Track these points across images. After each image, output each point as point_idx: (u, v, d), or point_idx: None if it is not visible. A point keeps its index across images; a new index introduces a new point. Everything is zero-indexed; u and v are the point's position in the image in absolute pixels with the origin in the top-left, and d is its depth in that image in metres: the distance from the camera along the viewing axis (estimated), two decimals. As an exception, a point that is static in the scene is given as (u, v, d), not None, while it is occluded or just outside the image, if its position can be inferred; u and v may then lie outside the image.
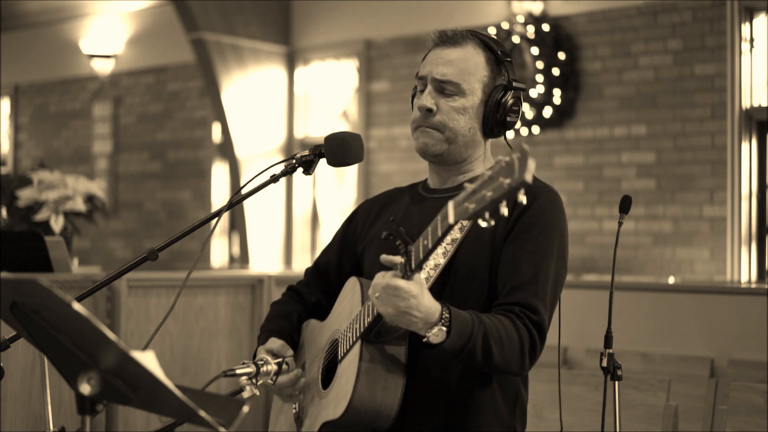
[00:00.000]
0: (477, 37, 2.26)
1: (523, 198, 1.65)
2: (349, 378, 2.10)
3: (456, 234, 2.15)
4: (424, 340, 1.99)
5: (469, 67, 2.22)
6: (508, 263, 2.14)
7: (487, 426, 2.19)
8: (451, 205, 1.79)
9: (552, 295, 2.15)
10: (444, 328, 1.97)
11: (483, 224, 1.71)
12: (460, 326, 1.99)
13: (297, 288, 2.55)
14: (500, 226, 2.17)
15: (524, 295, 2.11)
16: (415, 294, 1.93)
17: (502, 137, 2.31)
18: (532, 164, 1.63)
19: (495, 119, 2.24)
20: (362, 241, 2.43)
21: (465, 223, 2.09)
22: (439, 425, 2.18)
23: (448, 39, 2.25)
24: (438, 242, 1.87)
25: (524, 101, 2.31)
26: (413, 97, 2.35)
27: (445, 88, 2.22)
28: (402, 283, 1.94)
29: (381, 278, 1.98)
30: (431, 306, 1.97)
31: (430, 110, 2.22)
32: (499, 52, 2.25)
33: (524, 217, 2.16)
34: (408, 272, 1.94)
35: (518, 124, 6.77)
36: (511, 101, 2.23)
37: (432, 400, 2.17)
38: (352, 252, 2.46)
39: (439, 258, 2.14)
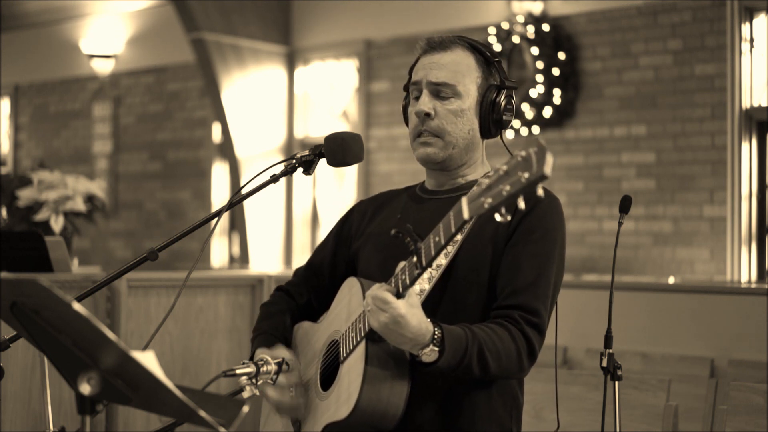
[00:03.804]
0: (465, 40, 2.28)
1: (541, 192, 1.66)
2: (355, 378, 2.08)
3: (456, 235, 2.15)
4: (417, 359, 2.00)
5: (462, 69, 2.24)
6: (510, 266, 2.15)
7: (484, 427, 2.18)
8: (465, 200, 1.78)
9: (551, 298, 2.17)
10: (436, 349, 1.97)
11: (499, 219, 1.70)
12: (454, 344, 1.99)
13: (287, 288, 2.52)
14: (501, 228, 2.17)
15: (525, 298, 2.11)
16: (403, 314, 1.93)
17: (499, 138, 2.32)
18: (550, 158, 1.64)
19: (491, 119, 2.25)
20: (357, 240, 2.42)
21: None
22: (436, 425, 2.17)
23: (437, 44, 2.26)
24: (451, 239, 1.85)
25: (525, 101, 2.32)
26: (405, 108, 2.36)
27: (440, 91, 2.23)
28: (391, 298, 1.94)
29: (374, 289, 1.97)
30: (421, 327, 1.96)
31: (428, 114, 2.23)
32: (488, 53, 2.27)
33: (526, 221, 2.16)
34: (418, 267, 1.92)
35: (518, 124, 6.79)
36: (504, 101, 2.25)
37: (429, 400, 2.16)
38: (347, 251, 2.45)
39: (440, 258, 2.13)
